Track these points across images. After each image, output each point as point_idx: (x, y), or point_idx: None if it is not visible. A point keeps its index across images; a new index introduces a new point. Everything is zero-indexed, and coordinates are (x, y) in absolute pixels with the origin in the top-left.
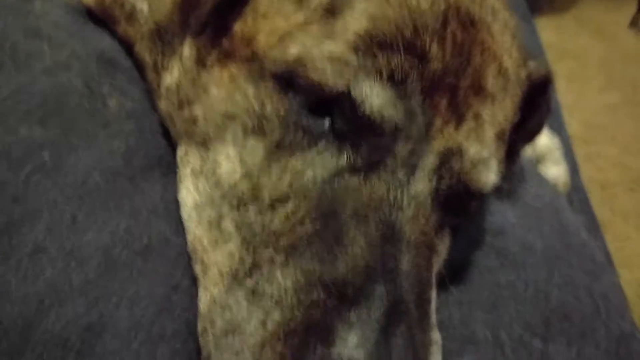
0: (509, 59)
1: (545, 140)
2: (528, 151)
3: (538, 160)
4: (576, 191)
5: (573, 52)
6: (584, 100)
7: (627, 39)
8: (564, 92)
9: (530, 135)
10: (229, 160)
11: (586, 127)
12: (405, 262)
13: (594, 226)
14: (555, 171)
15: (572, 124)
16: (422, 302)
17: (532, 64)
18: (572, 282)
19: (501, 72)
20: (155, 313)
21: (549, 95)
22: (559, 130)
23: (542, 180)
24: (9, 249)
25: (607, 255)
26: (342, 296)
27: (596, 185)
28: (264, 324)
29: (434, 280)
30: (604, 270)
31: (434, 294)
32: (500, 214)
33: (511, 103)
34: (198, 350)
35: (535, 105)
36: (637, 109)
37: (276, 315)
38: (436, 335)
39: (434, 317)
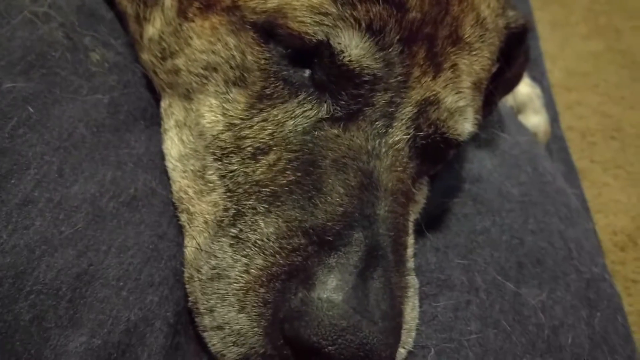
0: (487, 8)
1: (525, 89)
2: (509, 100)
3: (518, 109)
4: (556, 139)
5: None
6: (567, 47)
7: None
8: (547, 39)
9: (509, 85)
10: (212, 111)
11: (568, 74)
12: (382, 209)
13: (572, 174)
14: (535, 120)
15: (554, 72)
16: (398, 247)
17: (511, 14)
18: (547, 228)
19: (479, 21)
20: (143, 261)
21: (527, 45)
22: (541, 78)
23: (521, 129)
24: None
25: (584, 202)
26: (322, 242)
27: (576, 133)
28: (247, 269)
29: (410, 227)
30: (578, 217)
31: (410, 239)
32: (478, 162)
33: (488, 53)
34: (185, 297)
35: (514, 55)
36: (621, 57)
37: (259, 261)
38: (413, 280)
39: (411, 262)
